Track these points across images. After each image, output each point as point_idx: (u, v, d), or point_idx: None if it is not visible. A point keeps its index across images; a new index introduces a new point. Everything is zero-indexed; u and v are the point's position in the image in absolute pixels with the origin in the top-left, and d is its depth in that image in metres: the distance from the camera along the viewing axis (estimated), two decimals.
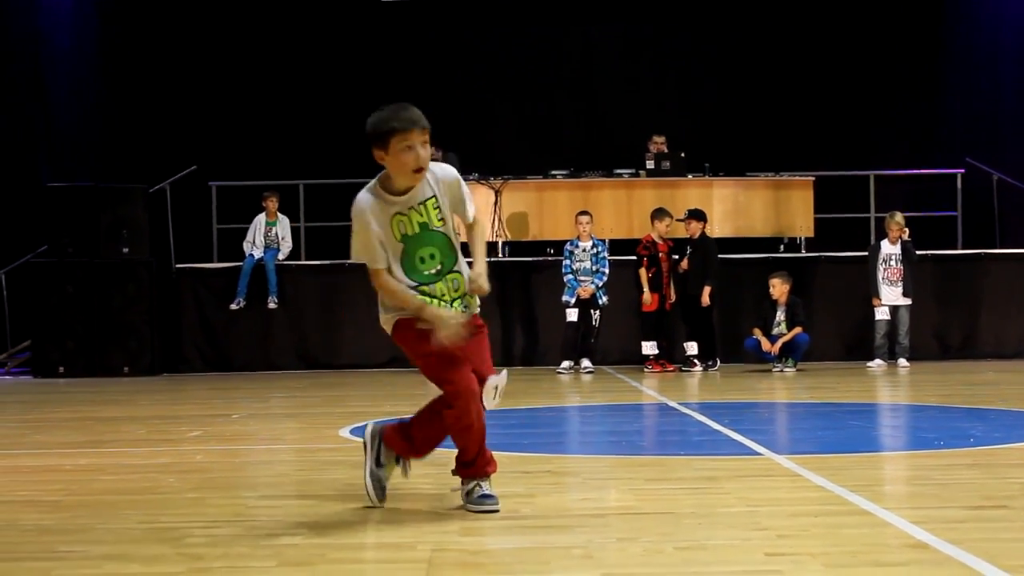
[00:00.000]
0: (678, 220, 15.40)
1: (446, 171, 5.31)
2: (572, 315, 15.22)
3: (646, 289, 15.01)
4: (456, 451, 5.38)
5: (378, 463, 5.48)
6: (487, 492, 5.28)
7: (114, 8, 19.71)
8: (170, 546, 4.64)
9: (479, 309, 5.40)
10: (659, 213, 15.30)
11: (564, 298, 15.33)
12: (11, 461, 7.35)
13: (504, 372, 5.33)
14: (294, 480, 6.65)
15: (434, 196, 5.21)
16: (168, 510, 5.47)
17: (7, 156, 18.84)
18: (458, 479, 5.40)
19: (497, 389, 5.26)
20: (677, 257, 15.32)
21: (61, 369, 16.01)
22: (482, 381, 5.22)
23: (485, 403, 5.25)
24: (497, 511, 5.18)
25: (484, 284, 5.20)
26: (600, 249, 15.43)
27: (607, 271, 15.31)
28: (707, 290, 15.01)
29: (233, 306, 16.40)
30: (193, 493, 5.94)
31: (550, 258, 16.26)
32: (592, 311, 15.20)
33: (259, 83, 19.29)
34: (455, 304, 5.25)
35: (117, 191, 16.64)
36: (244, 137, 18.99)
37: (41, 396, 13.11)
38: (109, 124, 19.46)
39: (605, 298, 15.27)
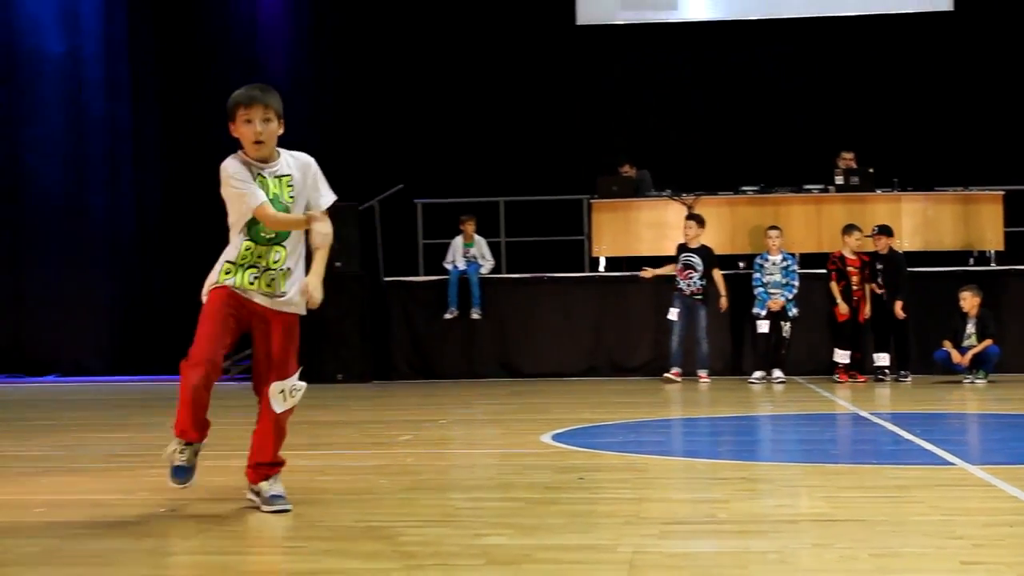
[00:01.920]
0: (867, 236, 15.19)
1: (304, 157, 5.61)
2: (763, 327, 15.11)
3: (839, 300, 14.86)
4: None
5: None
6: (179, 464, 5.52)
7: (328, 38, 20.12)
8: (385, 543, 4.72)
9: (292, 305, 5.52)
10: (849, 228, 15.15)
11: (755, 310, 15.24)
12: (237, 462, 7.50)
13: (295, 377, 5.50)
14: (498, 482, 6.70)
15: (290, 175, 5.51)
16: (381, 509, 5.57)
17: None
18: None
19: (284, 392, 5.45)
20: (870, 271, 15.10)
21: None
22: (274, 378, 5.45)
23: (274, 405, 5.46)
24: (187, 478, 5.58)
25: (316, 292, 5.41)
26: (790, 263, 15.30)
27: (797, 284, 15.18)
28: (899, 304, 14.78)
29: (447, 316, 16.59)
30: (404, 494, 6.03)
31: (741, 271, 16.12)
32: (783, 323, 15.08)
33: (461, 106, 19.48)
34: (277, 277, 5.45)
35: (330, 209, 16.92)
36: (447, 157, 19.20)
37: None
38: (323, 146, 19.68)
39: (795, 310, 15.13)
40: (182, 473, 5.54)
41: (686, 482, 6.43)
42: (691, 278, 15.27)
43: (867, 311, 15.08)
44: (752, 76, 19.80)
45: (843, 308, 14.86)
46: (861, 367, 15.03)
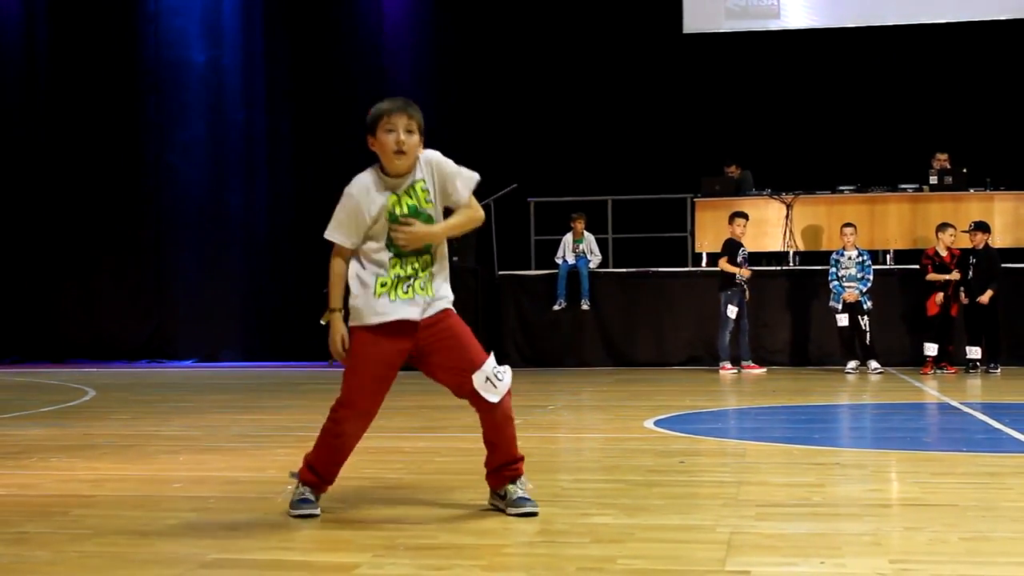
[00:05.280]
0: (963, 232, 14.98)
1: (434, 155, 5.17)
2: (842, 320, 15.02)
3: (938, 287, 14.73)
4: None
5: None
6: (308, 498, 4.99)
7: (448, 46, 20.20)
8: (497, 521, 4.73)
9: (447, 303, 5.15)
10: (943, 226, 14.97)
11: (831, 304, 15.13)
12: (359, 443, 7.58)
13: (491, 360, 4.95)
14: (604, 465, 6.68)
15: (423, 179, 5.09)
16: None
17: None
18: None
19: (489, 380, 4.89)
20: (961, 266, 14.90)
21: None
22: (469, 375, 4.90)
23: (488, 397, 4.88)
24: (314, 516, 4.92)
25: (421, 227, 4.98)
26: (864, 258, 15.18)
27: (871, 277, 15.05)
28: (989, 292, 14.57)
29: (555, 307, 16.64)
30: None
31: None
32: (860, 316, 14.94)
33: (574, 110, 19.45)
34: (419, 279, 5.03)
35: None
36: (559, 158, 19.19)
37: None
38: (442, 147, 19.78)
39: (869, 303, 14.98)
40: (309, 503, 4.99)
41: (782, 466, 6.36)
42: (748, 271, 15.26)
43: (961, 303, 14.86)
44: (849, 81, 19.55)
45: (939, 298, 14.68)
46: (951, 359, 14.81)
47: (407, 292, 4.99)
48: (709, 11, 19.80)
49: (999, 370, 14.60)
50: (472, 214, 5.18)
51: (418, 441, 7.75)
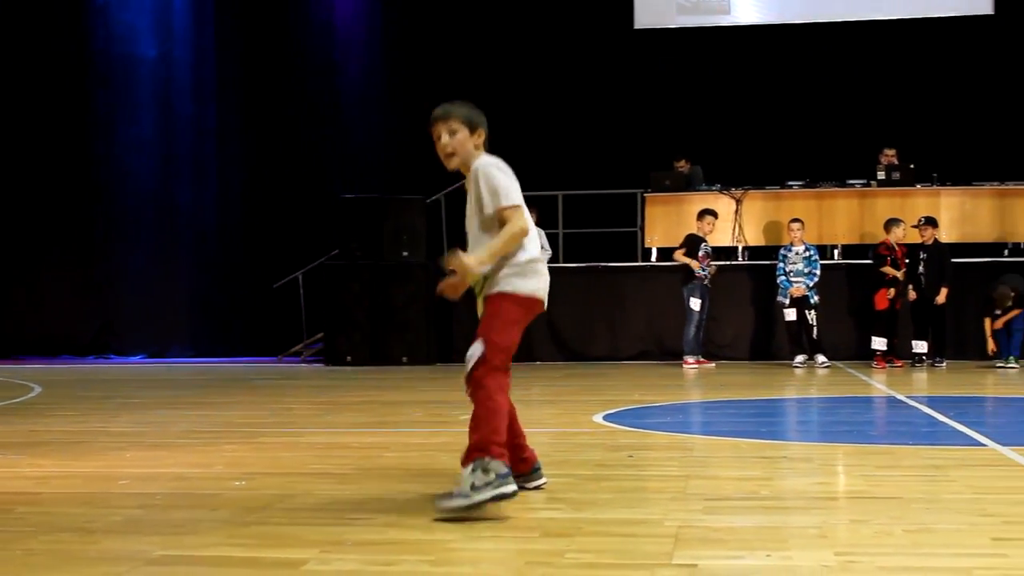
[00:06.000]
0: (913, 226, 15.11)
1: (481, 164, 5.30)
2: (790, 314, 15.17)
3: (891, 280, 14.96)
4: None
5: (474, 488, 4.68)
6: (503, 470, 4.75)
7: (397, 41, 20.17)
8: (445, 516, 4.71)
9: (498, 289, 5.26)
10: (895, 222, 15.10)
11: (779, 298, 15.25)
12: (307, 438, 7.57)
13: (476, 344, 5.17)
14: (554, 460, 6.65)
15: (475, 180, 5.29)
16: (444, 485, 5.53)
17: (306, 171, 19.61)
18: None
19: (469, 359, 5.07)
20: (908, 263, 15.03)
21: (349, 358, 16.45)
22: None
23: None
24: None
25: (465, 258, 5.14)
26: (812, 253, 15.31)
27: (819, 272, 15.19)
28: (944, 291, 14.71)
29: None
30: None
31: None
32: (806, 311, 15.04)
33: (524, 105, 19.45)
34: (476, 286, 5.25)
35: (399, 201, 17.01)
36: (509, 152, 19.07)
37: (332, 382, 13.47)
38: (393, 143, 19.92)
39: (817, 298, 15.11)
40: (507, 477, 4.74)
41: (730, 460, 6.39)
42: (708, 267, 15.30)
43: (909, 299, 15.00)
44: (799, 77, 19.66)
45: (890, 292, 14.85)
46: (897, 352, 14.95)
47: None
48: (660, 7, 19.86)
49: (944, 364, 14.76)
50: (509, 230, 5.15)
51: (366, 436, 7.72)
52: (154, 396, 11.64)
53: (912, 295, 15.00)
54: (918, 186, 16.52)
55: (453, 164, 5.26)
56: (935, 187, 16.53)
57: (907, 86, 19.28)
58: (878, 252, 15.11)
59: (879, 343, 14.78)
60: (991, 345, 14.39)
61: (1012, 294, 14.31)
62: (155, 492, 5.46)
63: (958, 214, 16.29)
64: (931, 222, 15.11)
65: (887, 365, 14.67)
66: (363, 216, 16.85)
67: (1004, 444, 6.68)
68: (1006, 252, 16.31)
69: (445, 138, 5.23)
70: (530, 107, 19.40)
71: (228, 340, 19.39)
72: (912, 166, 16.59)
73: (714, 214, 15.64)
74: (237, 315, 19.50)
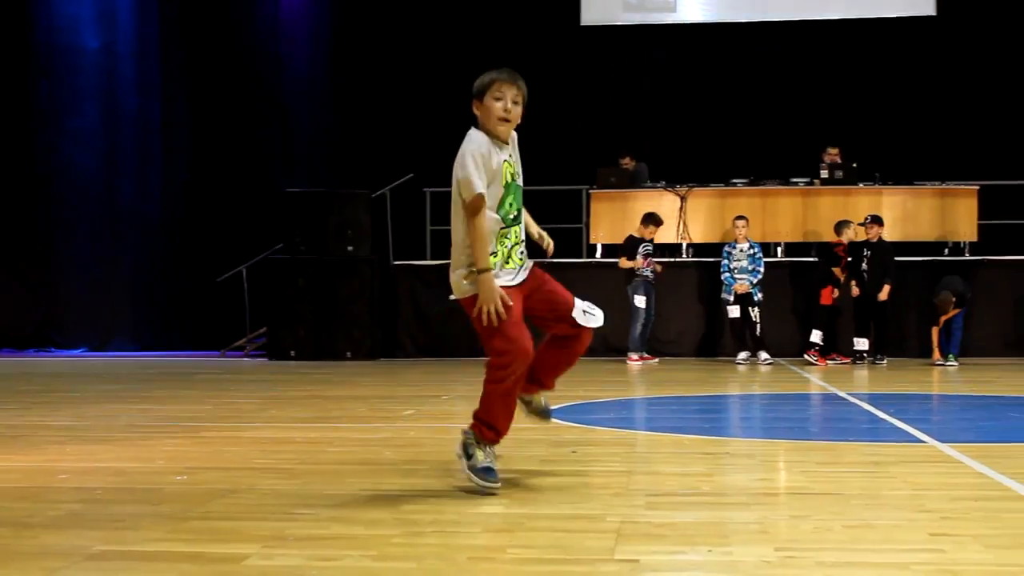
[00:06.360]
0: (860, 224, 15.26)
1: (515, 134, 5.34)
2: (733, 311, 15.26)
3: (841, 281, 15.19)
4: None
5: (467, 455, 5.20)
6: (489, 464, 5.14)
7: (344, 36, 20.11)
8: (388, 511, 4.71)
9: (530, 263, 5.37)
10: (847, 223, 15.23)
11: (723, 295, 15.34)
12: (251, 433, 7.53)
13: (578, 301, 5.38)
14: (497, 455, 6.67)
15: (513, 153, 5.32)
16: (386, 479, 5.55)
17: (251, 165, 19.51)
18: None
19: (586, 313, 5.35)
20: (852, 260, 15.17)
21: (292, 353, 16.40)
22: (570, 307, 5.33)
23: (585, 323, 5.35)
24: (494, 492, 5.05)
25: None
26: (756, 250, 15.41)
27: (762, 270, 15.28)
28: (887, 288, 14.85)
29: (452, 297, 16.55)
30: (408, 465, 6.02)
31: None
32: (750, 308, 15.14)
33: (468, 100, 19.43)
34: (514, 252, 5.28)
35: (344, 196, 16.97)
36: (454, 148, 19.14)
37: (275, 376, 13.41)
38: (338, 138, 19.88)
39: (760, 295, 15.21)
40: (494, 472, 5.13)
41: (673, 456, 6.41)
42: (651, 266, 15.34)
43: (852, 295, 15.14)
44: (744, 75, 19.78)
45: (836, 292, 15.00)
46: (838, 350, 15.09)
47: (521, 258, 5.32)
48: (606, 3, 19.91)
49: (885, 361, 14.91)
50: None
51: (310, 431, 7.69)
52: (95, 390, 11.55)
53: (855, 291, 15.13)
54: (861, 185, 16.67)
55: (505, 131, 5.24)
56: (877, 186, 16.68)
57: (850, 85, 19.45)
58: (835, 251, 15.25)
59: (816, 336, 14.92)
60: (936, 354, 14.53)
61: (953, 299, 14.47)
62: (96, 487, 5.42)
63: (900, 213, 16.45)
64: (877, 220, 15.26)
65: (829, 362, 14.79)
66: (308, 210, 16.79)
67: (943, 441, 6.75)
68: (946, 251, 16.50)
69: (510, 103, 5.25)
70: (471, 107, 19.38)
71: (171, 334, 19.28)
72: (855, 165, 16.74)
73: (658, 223, 15.60)
74: (180, 309, 19.39)
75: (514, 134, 5.33)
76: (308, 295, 16.49)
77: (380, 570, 3.78)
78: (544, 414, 5.71)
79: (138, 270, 19.64)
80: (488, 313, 5.07)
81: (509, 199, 5.20)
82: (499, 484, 5.09)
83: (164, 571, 3.80)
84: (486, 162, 5.11)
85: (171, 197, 19.77)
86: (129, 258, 19.69)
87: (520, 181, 5.30)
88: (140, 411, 9.23)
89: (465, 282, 5.24)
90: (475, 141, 5.16)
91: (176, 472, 5.79)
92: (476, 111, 5.29)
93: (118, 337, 19.42)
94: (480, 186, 5.05)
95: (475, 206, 5.05)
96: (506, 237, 5.20)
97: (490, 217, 5.11)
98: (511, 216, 5.22)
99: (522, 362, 5.13)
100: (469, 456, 5.17)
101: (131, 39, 20.00)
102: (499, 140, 5.20)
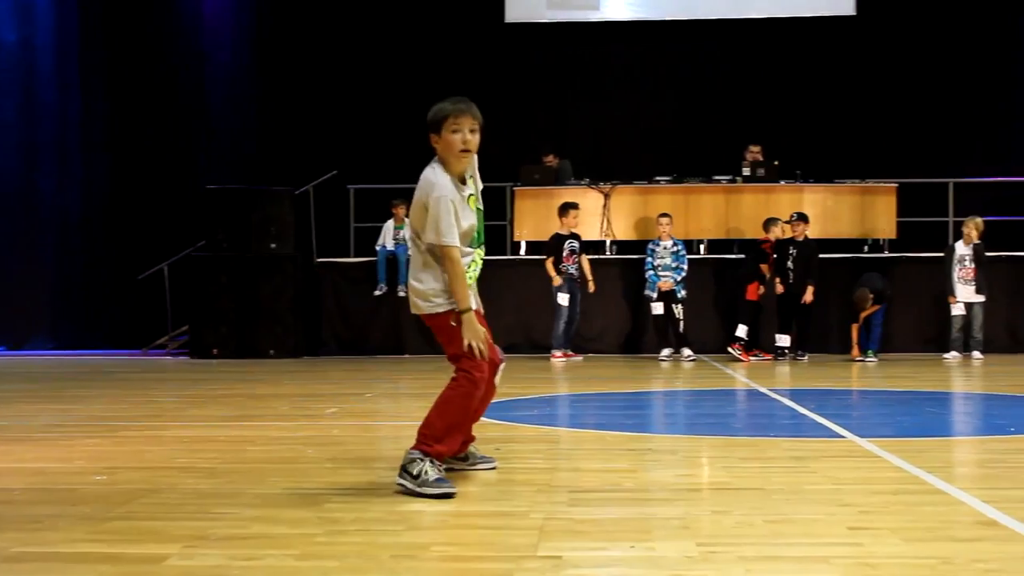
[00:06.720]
0: (785, 222, 15.39)
1: (474, 160, 5.39)
2: (657, 308, 15.32)
3: (768, 278, 15.39)
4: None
5: (413, 475, 5.04)
6: (440, 475, 5.04)
7: (268, 32, 19.99)
8: (311, 510, 4.69)
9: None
10: (773, 221, 15.37)
11: (646, 292, 15.40)
12: (171, 432, 7.47)
13: (503, 355, 5.51)
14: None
15: (475, 176, 5.41)
16: (309, 478, 5.53)
17: (173, 161, 19.32)
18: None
19: (501, 371, 5.50)
20: (778, 257, 15.32)
21: (215, 351, 16.27)
22: (497, 356, 5.40)
23: (496, 381, 5.47)
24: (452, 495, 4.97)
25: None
26: (679, 247, 15.48)
27: (686, 267, 15.35)
28: (811, 289, 15.00)
29: (377, 292, 16.57)
30: (331, 463, 6.00)
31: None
32: (673, 305, 15.22)
33: (394, 98, 19.40)
34: (475, 267, 5.33)
35: (267, 193, 16.86)
36: (378, 145, 19.11)
37: (197, 375, 13.31)
38: (261, 134, 19.75)
39: (684, 292, 15.28)
40: (446, 480, 5.03)
41: (596, 453, 6.44)
42: (576, 263, 15.37)
43: (776, 292, 15.28)
44: (667, 73, 19.90)
45: (761, 288, 15.16)
46: (759, 345, 15.23)
47: (474, 275, 5.38)
48: (531, 1, 19.94)
49: (806, 357, 15.06)
50: None
51: (231, 430, 7.64)
52: (13, 389, 11.39)
53: (779, 288, 15.26)
54: (782, 183, 16.82)
55: (466, 163, 5.28)
56: (799, 184, 16.83)
57: (772, 84, 19.64)
58: (762, 248, 15.39)
59: (742, 331, 15.04)
60: (855, 351, 14.70)
61: (870, 295, 14.64)
62: (14, 487, 5.35)
63: (820, 211, 16.61)
64: (803, 218, 15.40)
65: (753, 358, 14.92)
66: (231, 207, 16.66)
67: (862, 436, 6.83)
68: (866, 248, 16.69)
69: (468, 134, 5.25)
70: (402, 100, 19.35)
71: (91, 332, 19.04)
72: (777, 163, 16.88)
73: (575, 206, 15.62)
74: (100, 307, 19.16)
75: (474, 158, 5.37)
76: (231, 293, 16.37)
77: (302, 569, 3.77)
78: (486, 461, 5.74)
79: (57, 267, 19.37)
80: (473, 348, 5.14)
81: (478, 229, 5.33)
82: (455, 489, 5.01)
83: (83, 572, 3.76)
84: (459, 206, 5.18)
85: (91, 194, 19.51)
86: (48, 255, 19.41)
87: (481, 204, 5.38)
88: (59, 411, 9.12)
89: (429, 302, 5.27)
90: (444, 187, 5.18)
91: (96, 472, 5.73)
92: (434, 144, 5.29)
93: (36, 335, 19.14)
94: (456, 238, 5.13)
95: (453, 257, 5.12)
96: (473, 262, 5.32)
97: (463, 251, 5.21)
98: (474, 246, 5.32)
99: (488, 375, 5.28)
100: (416, 476, 5.02)
101: (50, 33, 19.70)
102: (458, 175, 5.25)
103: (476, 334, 5.14)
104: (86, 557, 3.96)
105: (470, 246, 5.26)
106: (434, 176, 5.20)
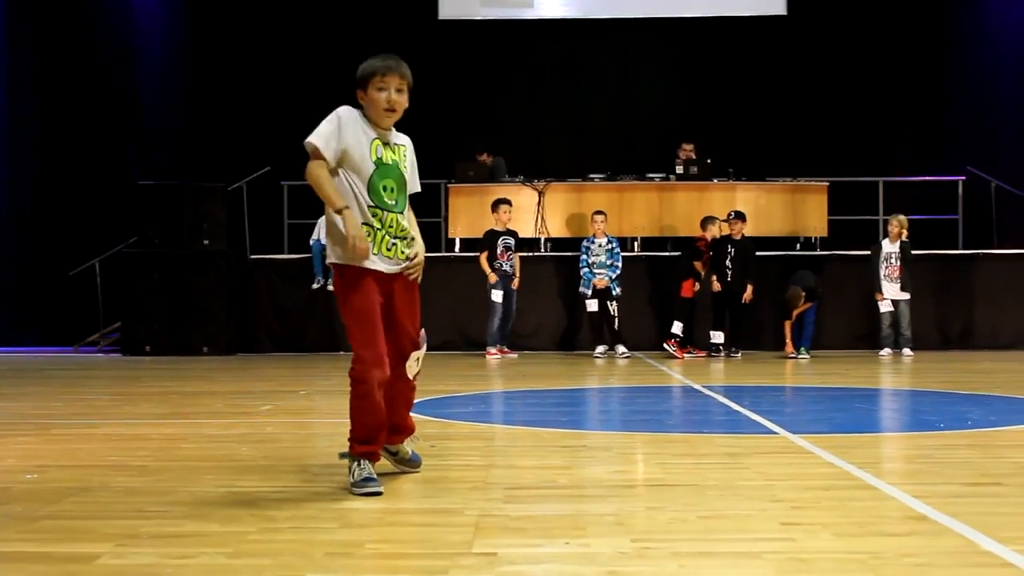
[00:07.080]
0: (723, 220, 15.48)
1: (408, 139, 5.36)
2: (592, 305, 15.34)
3: (704, 276, 15.49)
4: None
5: (351, 475, 5.08)
6: (368, 475, 5.01)
7: (200, 28, 19.84)
8: (244, 508, 4.66)
9: (413, 267, 5.24)
10: (711, 219, 15.44)
11: (581, 290, 15.44)
12: (103, 430, 7.39)
13: (424, 338, 5.29)
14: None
15: (404, 146, 5.29)
16: (243, 476, 5.49)
17: (103, 157, 19.12)
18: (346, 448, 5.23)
19: (418, 360, 5.27)
20: (714, 255, 15.41)
21: (147, 348, 16.14)
22: (409, 345, 5.22)
23: (408, 373, 5.24)
24: (379, 494, 4.92)
25: (420, 255, 5.27)
26: (614, 245, 15.52)
27: (620, 264, 15.40)
28: (751, 288, 15.11)
29: (314, 285, 16.49)
30: (265, 461, 5.96)
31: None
32: (608, 302, 15.27)
33: (327, 94, 19.28)
34: (397, 243, 5.17)
35: (199, 189, 16.73)
36: None
37: (129, 372, 13.19)
38: (193, 129, 19.60)
39: (618, 289, 15.33)
40: (373, 480, 4.99)
41: (531, 450, 6.45)
42: (511, 260, 15.37)
43: (713, 289, 15.38)
44: (601, 71, 19.98)
45: (697, 285, 15.25)
46: (693, 341, 15.33)
47: (390, 251, 5.14)
48: None
49: (740, 354, 15.17)
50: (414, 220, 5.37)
51: (164, 427, 7.58)
52: None
53: (716, 286, 15.34)
54: (715, 181, 16.93)
55: (390, 121, 5.20)
56: (731, 182, 16.95)
57: (705, 82, 19.76)
58: (697, 246, 15.47)
59: (677, 327, 15.12)
60: (789, 347, 14.84)
61: (803, 293, 14.77)
62: None
63: (753, 208, 16.72)
64: (740, 216, 15.50)
65: (688, 355, 15.00)
66: (162, 203, 16.52)
67: (795, 432, 6.89)
68: (798, 246, 16.83)
69: (394, 94, 5.17)
70: (335, 96, 19.23)
71: (20, 329, 18.80)
72: (709, 161, 16.99)
73: (507, 202, 15.62)
74: (30, 303, 18.92)
75: (408, 141, 5.33)
76: (163, 289, 16.24)
77: (236, 567, 3.74)
78: (412, 463, 5.54)
79: None
80: (353, 247, 4.96)
81: (385, 182, 5.15)
82: (380, 488, 4.97)
83: (13, 572, 3.71)
84: (342, 129, 5.09)
85: (19, 189, 19.26)
86: None
87: (406, 174, 5.25)
88: None
89: (329, 256, 5.21)
90: (344, 110, 5.18)
91: (26, 471, 5.66)
92: (360, 100, 5.23)
93: None
94: (318, 140, 5.07)
95: (313, 158, 5.07)
96: (378, 219, 5.11)
97: (358, 187, 5.09)
98: (389, 201, 5.15)
99: (378, 369, 5.09)
100: (350, 474, 5.06)
101: None
102: (380, 129, 5.19)
103: (356, 234, 4.95)
104: (16, 556, 3.91)
105: (380, 203, 5.11)
106: (345, 107, 5.18)
